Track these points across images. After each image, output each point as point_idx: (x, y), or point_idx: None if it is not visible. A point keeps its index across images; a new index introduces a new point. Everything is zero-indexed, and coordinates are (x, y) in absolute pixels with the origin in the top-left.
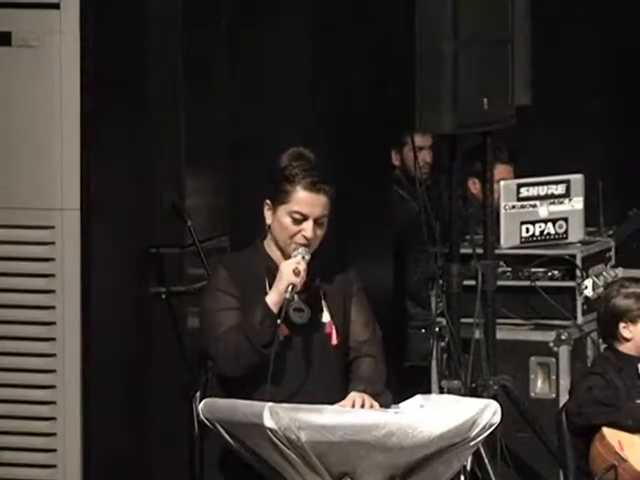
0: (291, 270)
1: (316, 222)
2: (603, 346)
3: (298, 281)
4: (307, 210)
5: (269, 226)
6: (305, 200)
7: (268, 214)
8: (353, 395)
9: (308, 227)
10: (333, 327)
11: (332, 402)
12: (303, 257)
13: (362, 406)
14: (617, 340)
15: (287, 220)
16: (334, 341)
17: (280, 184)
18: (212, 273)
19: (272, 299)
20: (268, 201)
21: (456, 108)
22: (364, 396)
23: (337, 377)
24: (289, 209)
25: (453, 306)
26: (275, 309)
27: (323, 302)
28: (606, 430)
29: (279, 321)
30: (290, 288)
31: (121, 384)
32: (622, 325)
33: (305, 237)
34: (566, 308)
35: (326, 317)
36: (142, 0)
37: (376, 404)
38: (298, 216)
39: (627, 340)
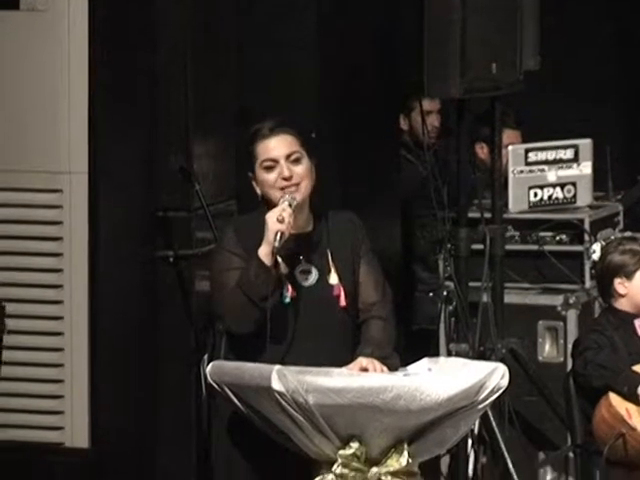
0: (275, 218)
1: (290, 160)
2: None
3: (284, 228)
4: (272, 154)
5: (262, 196)
6: (267, 146)
7: (254, 185)
8: (361, 359)
9: (282, 167)
10: (341, 289)
11: (340, 364)
12: (290, 204)
13: (369, 370)
14: (613, 297)
15: (263, 174)
16: (342, 303)
17: (249, 151)
18: (220, 234)
19: (263, 251)
20: (249, 174)
21: (464, 73)
22: (373, 361)
23: (346, 339)
24: (260, 164)
25: (461, 270)
26: (267, 260)
27: (331, 263)
28: (613, 397)
29: (284, 270)
30: (278, 236)
31: (129, 347)
32: (617, 281)
33: (284, 178)
34: (574, 272)
35: (334, 279)
36: None
37: (385, 368)
38: (268, 163)
39: (622, 296)
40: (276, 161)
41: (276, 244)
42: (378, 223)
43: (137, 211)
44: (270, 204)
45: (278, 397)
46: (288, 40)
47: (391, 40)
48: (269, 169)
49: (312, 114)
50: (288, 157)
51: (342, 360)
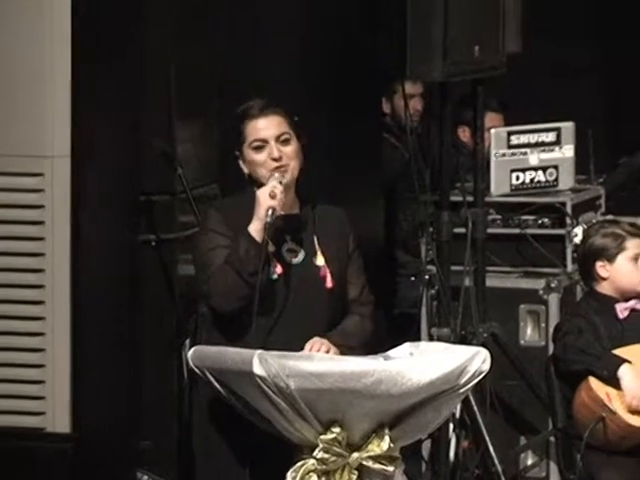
0: (267, 194)
1: (279, 141)
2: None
3: (276, 204)
4: (262, 134)
5: (248, 175)
6: (256, 127)
7: (242, 164)
8: (312, 340)
9: (271, 148)
10: (327, 271)
11: None
12: (280, 182)
13: (317, 351)
14: (595, 280)
15: (252, 154)
16: (329, 284)
17: (236, 130)
18: (204, 215)
19: (254, 227)
20: (236, 152)
21: (447, 56)
22: (322, 340)
23: (330, 320)
24: (249, 144)
25: (443, 254)
26: (257, 237)
27: (317, 247)
28: (593, 381)
29: (271, 248)
30: (270, 212)
31: (111, 331)
32: (599, 264)
33: (273, 158)
34: (556, 256)
35: (320, 260)
36: None
37: (334, 349)
38: (258, 144)
39: (604, 279)
40: (266, 141)
41: (268, 219)
42: (360, 206)
43: (120, 195)
44: (257, 183)
45: (259, 382)
46: (271, 24)
47: (374, 23)
48: (258, 149)
49: (294, 97)
50: (278, 138)
51: None
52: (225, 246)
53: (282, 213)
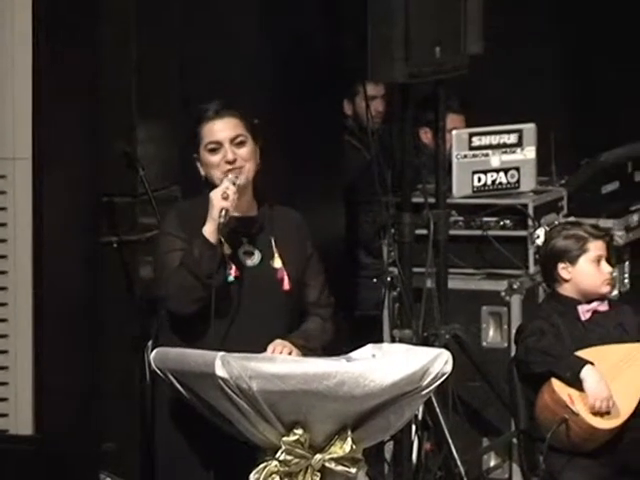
0: (219, 195)
1: (234, 143)
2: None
3: (228, 205)
4: (217, 136)
5: (205, 177)
6: (211, 129)
7: (199, 166)
8: (274, 342)
9: (226, 150)
10: (285, 273)
11: None
12: (233, 183)
13: (279, 353)
14: (557, 282)
15: (207, 156)
16: (286, 286)
17: (193, 132)
18: (162, 218)
19: (208, 229)
20: (194, 155)
21: (408, 57)
22: (284, 343)
23: (287, 322)
24: (204, 146)
25: (405, 255)
26: (212, 238)
27: (274, 249)
28: (556, 383)
29: (227, 250)
30: (223, 212)
31: (73, 333)
32: (561, 266)
33: (227, 161)
34: (518, 257)
35: (277, 263)
36: None
37: (295, 350)
38: (212, 146)
39: (566, 281)
40: (220, 144)
41: (221, 220)
42: (322, 208)
43: (81, 197)
44: (214, 185)
45: (222, 383)
46: (232, 23)
47: (334, 24)
48: (213, 151)
49: (255, 98)
50: (232, 140)
51: None
52: (181, 249)
53: (236, 214)
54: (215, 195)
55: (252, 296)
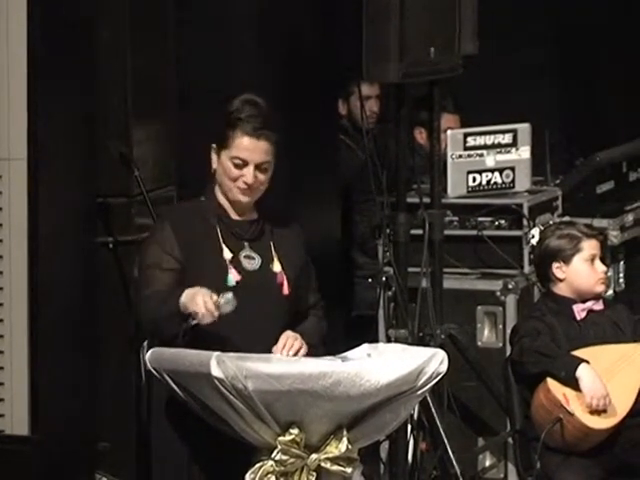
0: (203, 307)
1: (258, 168)
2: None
3: (204, 318)
4: (247, 156)
5: (214, 170)
6: (245, 146)
7: (214, 158)
8: (286, 333)
9: (248, 173)
10: (284, 277)
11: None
12: (227, 302)
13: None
14: (552, 281)
15: (229, 165)
16: (285, 291)
17: (224, 129)
18: (155, 227)
19: (186, 298)
20: (214, 145)
21: (403, 57)
22: (296, 335)
23: (286, 325)
24: (230, 154)
25: (400, 255)
26: (186, 307)
27: (274, 253)
28: (551, 382)
29: (227, 255)
30: (193, 319)
31: (69, 334)
32: (555, 265)
33: (245, 182)
34: (513, 257)
35: (277, 267)
36: None
37: (305, 345)
38: (239, 161)
39: (560, 280)
40: (247, 163)
41: (190, 322)
42: (317, 208)
43: (76, 197)
44: (218, 184)
45: (217, 383)
46: (227, 24)
47: (330, 24)
48: (237, 165)
49: None
50: (259, 165)
51: None
52: (166, 269)
53: (237, 218)
54: (205, 299)
55: (253, 300)
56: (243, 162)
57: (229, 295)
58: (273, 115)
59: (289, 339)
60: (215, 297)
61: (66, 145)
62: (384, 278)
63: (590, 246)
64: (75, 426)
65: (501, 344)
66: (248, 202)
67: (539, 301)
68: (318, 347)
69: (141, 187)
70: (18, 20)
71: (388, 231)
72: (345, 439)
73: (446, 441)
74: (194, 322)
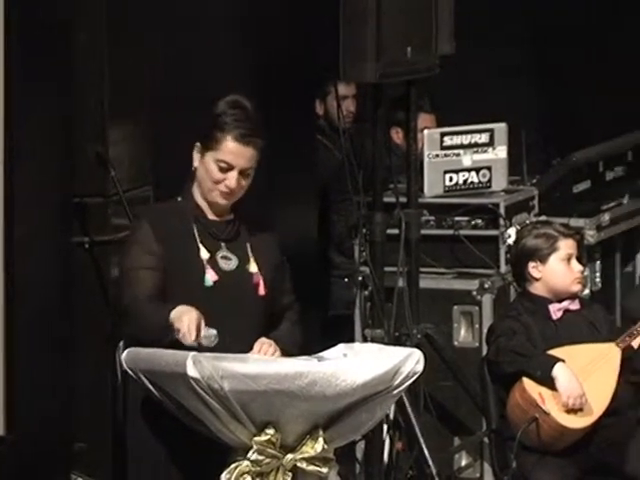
0: (186, 328)
1: (242, 173)
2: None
3: (182, 333)
4: (233, 160)
5: (195, 169)
6: (232, 150)
7: (196, 157)
8: (260, 340)
9: (232, 177)
10: (261, 278)
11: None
12: (209, 338)
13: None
14: (528, 281)
15: (213, 167)
16: (261, 292)
17: (211, 130)
18: (134, 226)
19: (172, 317)
20: (198, 144)
21: (380, 57)
22: (270, 342)
23: (262, 326)
24: (216, 157)
25: (376, 255)
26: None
27: (250, 254)
28: (526, 382)
29: (204, 255)
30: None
31: (44, 333)
32: (531, 265)
33: (227, 186)
34: (489, 257)
35: (253, 267)
36: None
37: (279, 352)
38: (224, 165)
39: (536, 280)
40: (232, 168)
41: (174, 336)
42: (294, 208)
43: (53, 197)
44: (198, 183)
45: (193, 383)
46: (204, 24)
47: (307, 24)
48: (222, 169)
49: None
50: (243, 171)
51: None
52: (149, 267)
53: (214, 218)
54: (190, 318)
55: (229, 300)
56: (228, 166)
57: (213, 331)
58: (259, 119)
59: (264, 345)
60: (202, 323)
61: (42, 146)
62: (360, 278)
63: (566, 245)
64: (51, 426)
65: (477, 344)
66: (226, 205)
67: (515, 301)
68: (293, 352)
69: (117, 187)
70: None
71: (364, 231)
72: (321, 439)
73: (422, 441)
74: (176, 337)
